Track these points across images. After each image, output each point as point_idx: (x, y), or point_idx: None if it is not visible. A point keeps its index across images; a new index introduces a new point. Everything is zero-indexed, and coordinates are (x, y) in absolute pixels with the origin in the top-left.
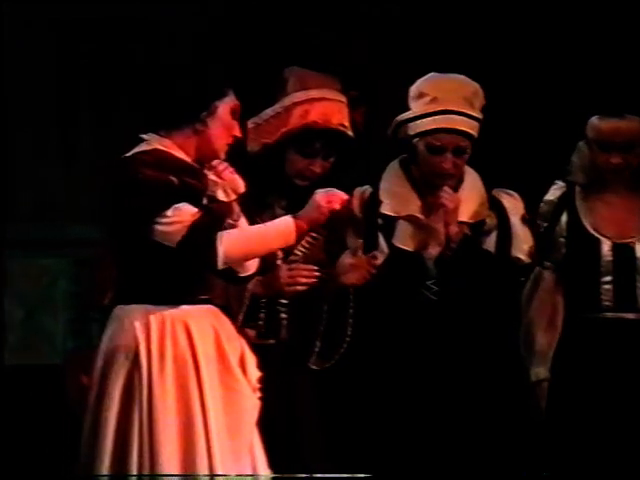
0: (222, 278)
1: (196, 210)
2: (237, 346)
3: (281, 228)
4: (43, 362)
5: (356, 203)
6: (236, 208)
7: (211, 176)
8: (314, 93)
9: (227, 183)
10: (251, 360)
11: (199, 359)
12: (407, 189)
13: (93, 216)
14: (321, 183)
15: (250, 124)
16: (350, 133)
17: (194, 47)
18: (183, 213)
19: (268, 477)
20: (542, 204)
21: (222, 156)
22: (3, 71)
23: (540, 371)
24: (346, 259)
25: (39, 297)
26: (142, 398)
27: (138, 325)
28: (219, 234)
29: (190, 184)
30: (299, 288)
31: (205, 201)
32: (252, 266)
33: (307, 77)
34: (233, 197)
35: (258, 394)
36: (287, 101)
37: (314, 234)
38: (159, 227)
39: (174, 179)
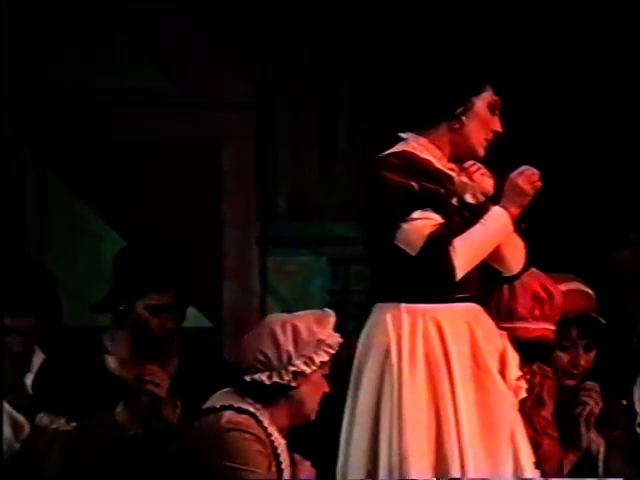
0: (487, 280)
1: (436, 219)
2: (497, 345)
3: (500, 222)
4: None
5: None
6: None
7: (462, 178)
8: (562, 287)
9: (476, 185)
10: (513, 360)
11: (451, 357)
12: None
13: (350, 214)
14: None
15: None
16: (603, 320)
17: (451, 43)
18: (423, 222)
19: None
20: None
21: (481, 152)
22: (269, 70)
23: None
24: None
25: (295, 294)
26: (392, 396)
27: (390, 323)
28: (452, 243)
29: (431, 190)
30: None
31: (455, 201)
32: (516, 266)
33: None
34: (481, 199)
35: (521, 393)
36: None
37: None
38: (400, 233)
39: (415, 185)
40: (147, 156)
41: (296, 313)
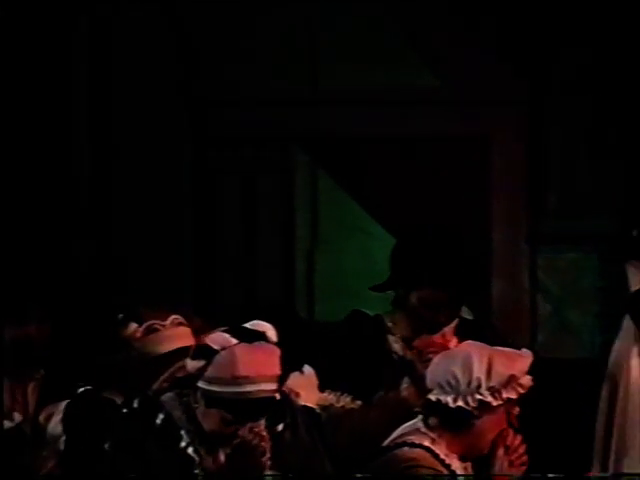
0: None
1: None
2: None
3: None
4: (570, 356)
5: None
6: None
7: None
8: None
9: None
10: None
11: None
12: None
13: (620, 211)
14: None
15: None
16: None
17: None
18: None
19: None
20: None
21: None
22: (542, 67)
23: None
24: None
25: (566, 292)
26: (622, 394)
27: (625, 327)
28: None
29: None
30: None
31: None
32: None
33: None
34: None
35: None
36: None
37: None
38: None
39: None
40: (417, 153)
41: (496, 347)
